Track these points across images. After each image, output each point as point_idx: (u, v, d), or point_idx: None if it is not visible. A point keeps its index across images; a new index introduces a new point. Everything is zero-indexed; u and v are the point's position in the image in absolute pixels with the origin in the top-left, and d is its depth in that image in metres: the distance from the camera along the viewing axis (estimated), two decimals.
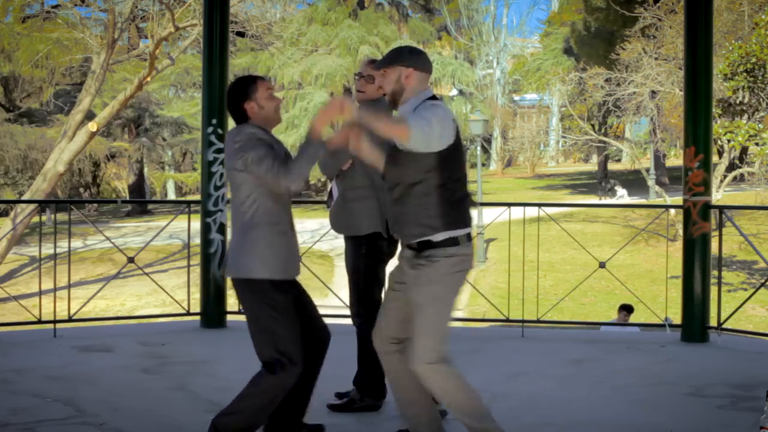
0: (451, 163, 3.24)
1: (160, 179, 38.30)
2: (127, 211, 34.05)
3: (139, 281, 18.22)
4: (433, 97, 3.33)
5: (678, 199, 8.33)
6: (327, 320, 7.44)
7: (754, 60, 15.07)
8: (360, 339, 4.24)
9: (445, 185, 3.24)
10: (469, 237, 3.29)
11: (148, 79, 18.85)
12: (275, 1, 23.63)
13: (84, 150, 21.12)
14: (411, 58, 3.32)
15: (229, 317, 6.55)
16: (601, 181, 34.61)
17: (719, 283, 6.39)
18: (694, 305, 5.99)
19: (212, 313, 6.46)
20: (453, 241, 3.24)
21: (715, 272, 6.37)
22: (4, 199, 29.62)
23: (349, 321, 4.39)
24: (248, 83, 3.48)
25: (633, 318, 12.49)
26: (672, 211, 15.42)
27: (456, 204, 3.26)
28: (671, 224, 19.77)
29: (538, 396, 4.52)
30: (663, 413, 4.26)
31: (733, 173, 20.02)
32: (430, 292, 3.22)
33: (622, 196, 31.14)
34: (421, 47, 31.27)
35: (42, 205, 15.40)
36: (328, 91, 30.79)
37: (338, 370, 4.70)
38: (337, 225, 4.24)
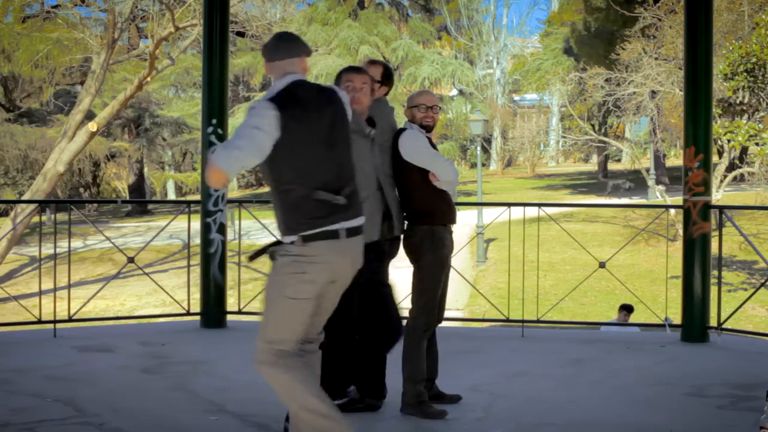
0: (278, 163, 3.11)
1: (160, 179, 38.28)
2: (127, 211, 34.04)
3: (139, 281, 18.23)
4: (287, 88, 3.15)
5: (678, 199, 8.33)
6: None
7: (754, 60, 15.07)
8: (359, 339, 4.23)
9: (278, 187, 3.15)
10: (318, 236, 3.10)
11: (148, 79, 18.85)
12: (275, 1, 23.63)
13: (84, 150, 21.12)
14: (264, 50, 3.28)
15: (229, 317, 6.55)
16: (608, 179, 33.83)
17: (719, 283, 6.39)
18: (694, 305, 5.99)
19: (212, 313, 6.45)
20: (294, 243, 3.13)
21: (715, 272, 6.37)
22: (4, 199, 29.62)
23: None
24: (338, 74, 3.90)
25: (633, 318, 12.51)
26: (672, 211, 15.42)
27: (295, 205, 3.12)
28: (671, 224, 19.77)
29: (538, 396, 4.52)
30: (663, 413, 4.26)
31: (733, 173, 20.01)
32: (265, 293, 3.20)
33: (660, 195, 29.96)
34: (421, 47, 30.89)
35: (42, 205, 15.41)
36: None
37: None
38: None
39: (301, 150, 3.12)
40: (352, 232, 3.20)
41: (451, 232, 4.25)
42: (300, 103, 3.14)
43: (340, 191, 3.17)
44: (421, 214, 4.15)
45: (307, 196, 3.11)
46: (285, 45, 3.24)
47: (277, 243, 3.19)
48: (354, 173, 3.29)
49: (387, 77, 4.25)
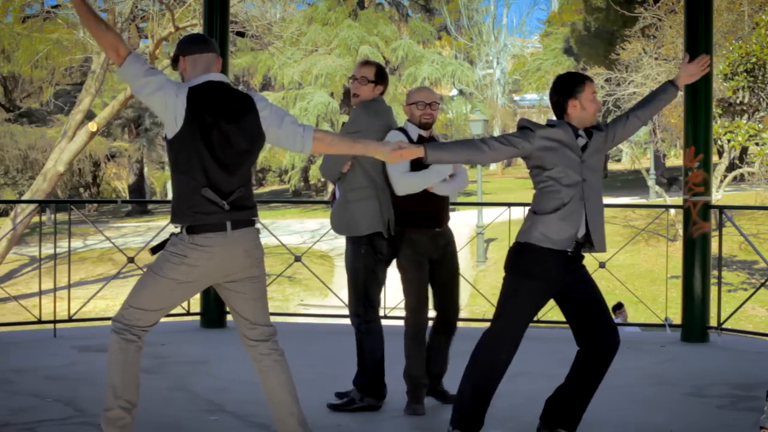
0: (177, 152, 3.22)
1: (160, 179, 38.28)
2: (127, 211, 34.03)
3: None
4: (206, 84, 3.25)
5: (678, 199, 8.33)
6: (327, 320, 7.41)
7: (754, 60, 15.06)
8: (359, 339, 4.24)
9: (174, 174, 3.26)
10: (203, 228, 3.20)
11: None
12: (275, 1, 23.61)
13: (84, 150, 21.11)
14: (180, 46, 3.37)
15: (229, 317, 6.55)
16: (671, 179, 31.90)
17: (719, 283, 6.39)
18: (694, 305, 5.99)
19: (212, 313, 6.46)
20: (180, 233, 3.26)
21: (715, 272, 6.37)
22: (4, 199, 29.61)
23: (349, 321, 4.39)
24: (577, 82, 3.59)
25: (632, 318, 12.58)
26: (672, 211, 15.42)
27: (184, 197, 3.23)
28: (671, 224, 19.76)
29: (538, 396, 4.52)
30: (663, 413, 4.26)
31: (733, 173, 20.00)
32: (149, 267, 3.34)
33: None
34: (421, 47, 30.82)
35: (42, 205, 15.39)
36: (328, 91, 30.79)
37: (338, 370, 4.70)
38: (338, 226, 4.25)
39: (196, 150, 3.19)
40: (238, 224, 3.26)
41: (435, 234, 4.25)
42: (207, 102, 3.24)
43: (227, 197, 3.23)
44: (401, 216, 4.19)
45: (195, 191, 3.20)
46: (197, 42, 3.40)
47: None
48: (245, 182, 3.32)
49: (380, 77, 4.27)
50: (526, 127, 3.57)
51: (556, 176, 3.51)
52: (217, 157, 3.20)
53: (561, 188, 3.51)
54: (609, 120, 4.26)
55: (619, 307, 12.04)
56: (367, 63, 4.33)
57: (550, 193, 3.53)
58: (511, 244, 3.68)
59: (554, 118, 3.65)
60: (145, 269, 3.40)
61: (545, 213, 3.52)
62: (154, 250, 3.36)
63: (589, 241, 3.61)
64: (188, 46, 3.35)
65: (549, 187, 3.53)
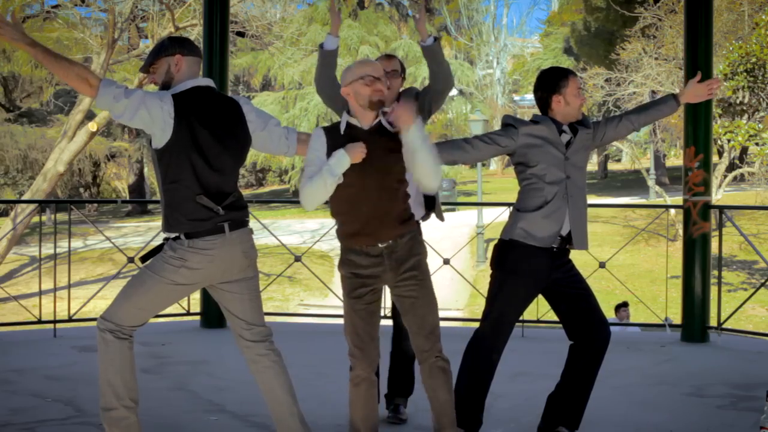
0: (168, 161, 3.14)
1: None
2: (127, 211, 34.04)
3: None
4: (192, 89, 3.20)
5: (678, 199, 8.33)
6: (327, 320, 7.39)
7: (754, 60, 15.07)
8: None
9: (164, 184, 3.19)
10: (201, 233, 3.17)
11: None
12: (275, 1, 23.62)
13: (84, 150, 21.11)
14: (178, 44, 3.28)
15: None
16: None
17: (719, 283, 6.39)
18: (694, 305, 5.99)
19: (212, 313, 6.45)
20: (177, 238, 3.21)
21: (715, 272, 6.37)
22: (4, 199, 29.61)
23: None
24: (561, 77, 3.54)
25: (633, 318, 12.57)
26: (672, 211, 15.43)
27: (178, 206, 3.17)
28: (671, 224, 19.76)
29: (538, 396, 4.52)
30: (663, 413, 4.26)
31: (733, 173, 20.00)
32: (145, 267, 3.30)
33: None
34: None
35: (42, 205, 15.37)
36: None
37: (338, 370, 4.70)
38: None
39: (186, 158, 3.15)
40: (234, 225, 3.25)
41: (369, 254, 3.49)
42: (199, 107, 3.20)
43: (222, 201, 3.21)
44: None
45: (190, 199, 3.17)
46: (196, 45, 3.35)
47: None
48: (236, 184, 3.32)
49: (403, 69, 4.14)
50: (509, 124, 3.55)
51: (539, 173, 3.50)
52: (210, 163, 3.17)
53: (544, 185, 3.50)
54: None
55: (624, 305, 12.01)
56: (390, 56, 4.03)
57: (534, 191, 3.52)
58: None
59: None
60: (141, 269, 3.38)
61: (528, 210, 3.51)
62: (144, 259, 3.33)
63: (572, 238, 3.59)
64: (188, 46, 3.31)
65: (532, 185, 3.52)
